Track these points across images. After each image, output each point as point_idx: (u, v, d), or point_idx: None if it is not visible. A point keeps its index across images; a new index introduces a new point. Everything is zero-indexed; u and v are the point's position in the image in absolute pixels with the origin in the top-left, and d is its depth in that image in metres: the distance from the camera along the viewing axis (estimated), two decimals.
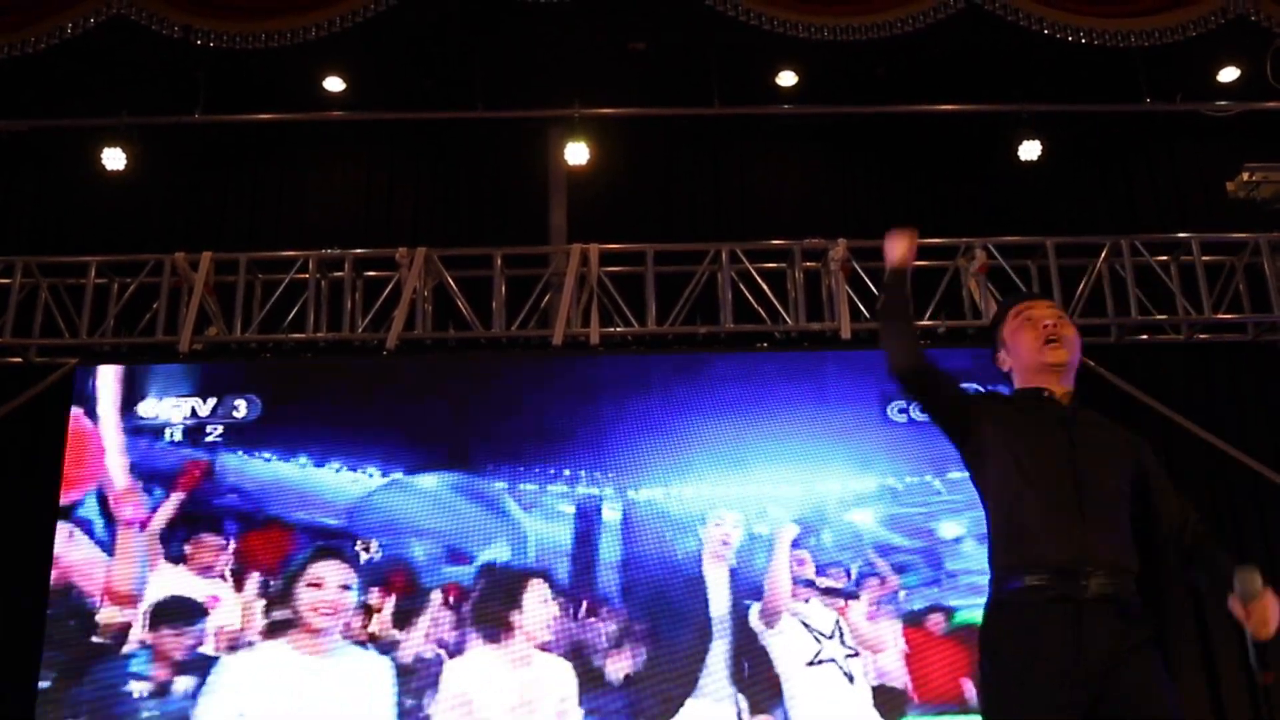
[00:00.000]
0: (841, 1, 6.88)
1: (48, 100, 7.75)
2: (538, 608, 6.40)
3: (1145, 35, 6.94)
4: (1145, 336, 7.60)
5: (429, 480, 6.66)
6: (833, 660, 6.37)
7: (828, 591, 6.50)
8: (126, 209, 7.98)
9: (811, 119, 8.20)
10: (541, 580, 6.45)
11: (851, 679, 6.34)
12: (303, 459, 6.67)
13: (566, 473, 6.64)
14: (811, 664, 6.34)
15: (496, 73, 7.74)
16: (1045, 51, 7.33)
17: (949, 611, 6.50)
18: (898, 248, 2.91)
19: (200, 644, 6.32)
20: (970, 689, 6.28)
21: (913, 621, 6.49)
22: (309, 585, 6.39)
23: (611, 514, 6.55)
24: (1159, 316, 7.37)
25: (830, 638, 6.41)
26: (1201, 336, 7.58)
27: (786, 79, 7.85)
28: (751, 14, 6.78)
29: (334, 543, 6.49)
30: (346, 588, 6.40)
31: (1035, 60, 7.62)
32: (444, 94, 7.84)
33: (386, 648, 6.30)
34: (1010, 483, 2.59)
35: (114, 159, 7.53)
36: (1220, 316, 7.36)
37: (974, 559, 6.51)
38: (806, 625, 6.42)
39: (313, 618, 6.32)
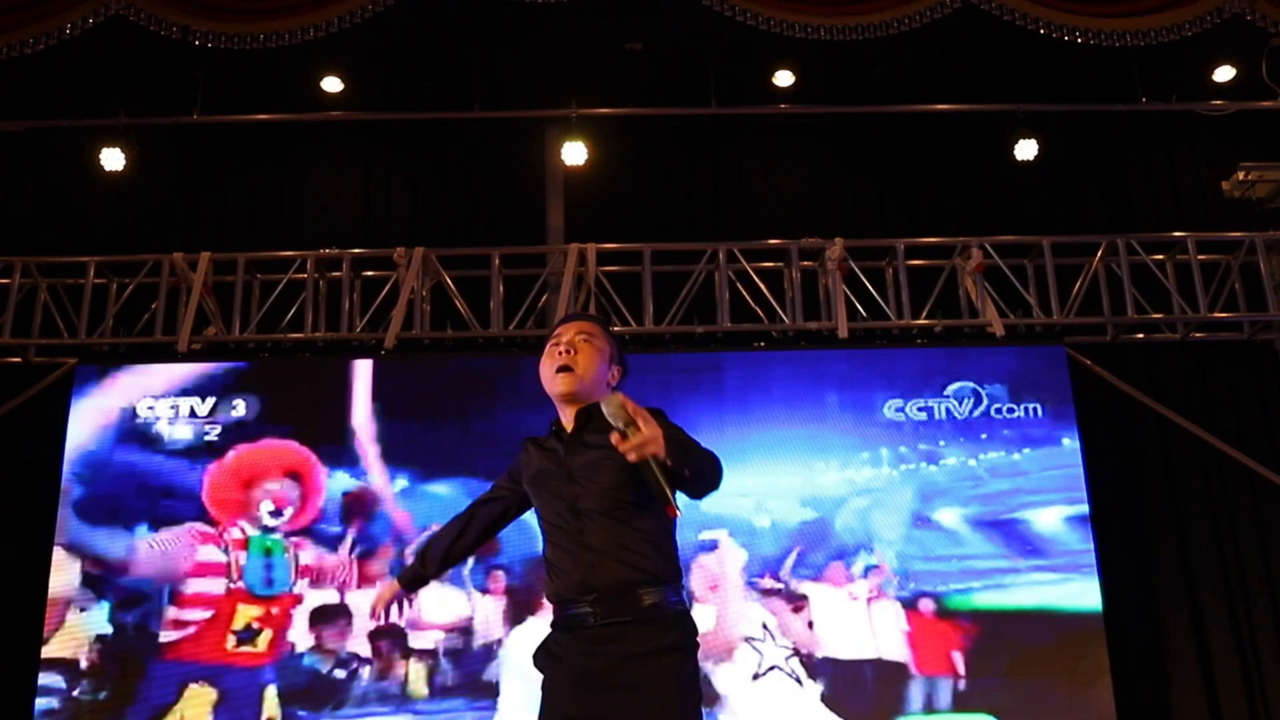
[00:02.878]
0: (838, 1, 6.90)
1: (46, 100, 7.77)
2: None
3: (1141, 35, 6.95)
4: (1141, 335, 7.62)
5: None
6: (775, 666, 6.44)
7: (766, 593, 6.59)
8: (125, 209, 7.99)
9: (808, 119, 8.22)
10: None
11: (799, 680, 6.43)
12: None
13: None
14: (758, 676, 6.43)
15: (494, 73, 7.75)
16: (1041, 51, 7.34)
17: (938, 597, 6.59)
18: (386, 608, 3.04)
19: None
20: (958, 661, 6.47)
21: (909, 605, 6.60)
22: None
23: None
24: (1155, 315, 7.39)
25: (763, 641, 6.50)
26: (1197, 335, 7.60)
27: (783, 79, 7.86)
28: (748, 14, 6.79)
29: None
30: None
31: (1031, 60, 7.64)
32: (442, 94, 7.86)
33: None
34: (541, 526, 2.75)
35: (112, 159, 7.55)
36: (1216, 315, 7.38)
37: (969, 544, 6.62)
38: (748, 640, 6.51)
39: None
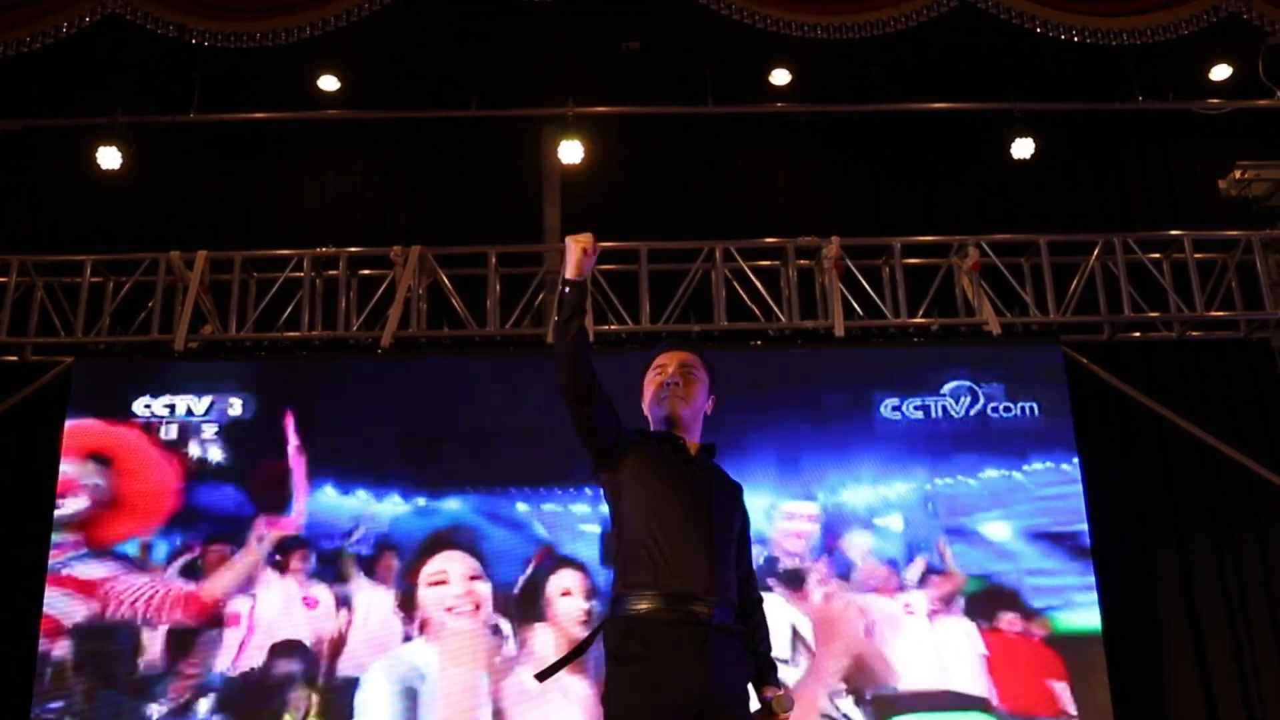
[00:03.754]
0: (835, 0, 6.90)
1: (43, 99, 7.76)
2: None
3: (1138, 33, 6.97)
4: (1138, 334, 7.62)
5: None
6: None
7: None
8: (122, 208, 8.00)
9: (805, 117, 8.22)
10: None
11: None
12: None
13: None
14: None
15: (490, 71, 7.75)
16: (1038, 50, 7.34)
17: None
18: (573, 255, 2.73)
19: None
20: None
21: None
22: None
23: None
24: (1152, 314, 7.38)
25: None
26: (1194, 334, 7.60)
27: (780, 77, 7.86)
28: (745, 12, 6.80)
29: None
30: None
31: (1028, 58, 7.65)
32: (438, 93, 7.86)
33: None
34: (646, 515, 2.72)
35: (109, 158, 7.55)
36: (1213, 314, 7.37)
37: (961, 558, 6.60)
38: None
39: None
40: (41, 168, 8.09)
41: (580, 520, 6.57)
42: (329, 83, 7.81)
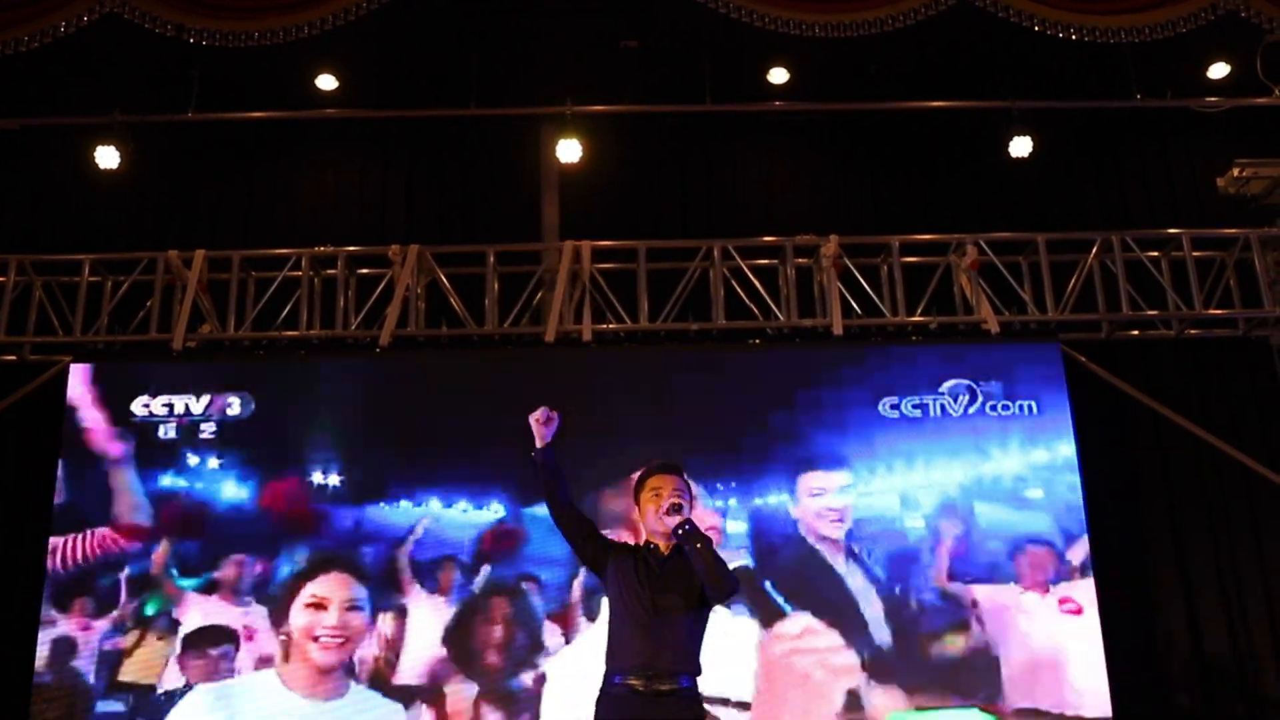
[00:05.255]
0: None
1: (41, 98, 7.76)
2: None
3: (1136, 31, 6.96)
4: (1136, 332, 7.62)
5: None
6: None
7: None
8: (120, 207, 8.00)
9: (803, 116, 8.22)
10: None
11: None
12: None
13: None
14: None
15: (489, 70, 7.75)
16: (1036, 48, 7.34)
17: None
18: (537, 432, 3.60)
19: None
20: None
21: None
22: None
23: None
24: (1150, 312, 7.38)
25: None
26: (1193, 332, 7.61)
27: (778, 76, 7.87)
28: (743, 11, 6.80)
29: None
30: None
31: (1026, 57, 7.64)
32: (436, 91, 7.86)
33: None
34: (615, 607, 3.58)
35: (107, 157, 7.55)
36: (1211, 312, 7.37)
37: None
38: None
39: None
40: (40, 167, 8.09)
41: None
42: (327, 82, 7.81)
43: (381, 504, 6.64)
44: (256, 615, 6.43)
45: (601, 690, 3.51)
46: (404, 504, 6.64)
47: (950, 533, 6.63)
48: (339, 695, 6.29)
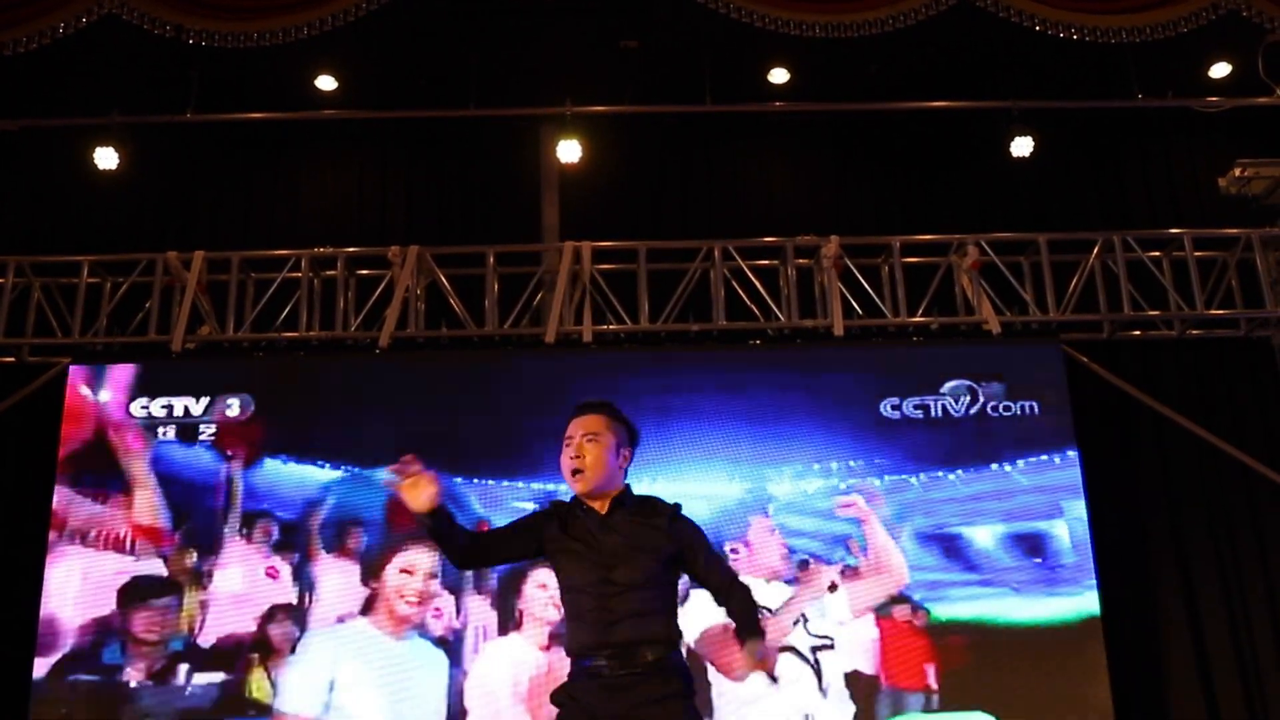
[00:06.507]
0: None
1: (39, 99, 7.74)
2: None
3: (1137, 31, 6.94)
4: (1138, 333, 7.61)
5: None
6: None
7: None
8: (119, 208, 7.98)
9: (804, 116, 8.20)
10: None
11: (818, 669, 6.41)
12: None
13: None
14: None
15: (488, 71, 7.73)
16: (1037, 48, 7.32)
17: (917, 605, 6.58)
18: (415, 498, 2.95)
19: None
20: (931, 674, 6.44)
21: (883, 612, 6.57)
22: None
23: None
24: (1152, 313, 7.37)
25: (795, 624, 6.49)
26: (1194, 332, 7.59)
27: (778, 76, 7.85)
28: (743, 11, 6.78)
29: None
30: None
31: (1027, 57, 7.63)
32: (436, 92, 7.84)
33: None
34: (563, 586, 3.10)
35: (106, 158, 7.53)
36: (1213, 312, 7.36)
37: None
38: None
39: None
40: (38, 168, 8.07)
41: None
42: (326, 82, 7.80)
43: None
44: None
45: (568, 678, 3.06)
46: None
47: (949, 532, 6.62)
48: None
